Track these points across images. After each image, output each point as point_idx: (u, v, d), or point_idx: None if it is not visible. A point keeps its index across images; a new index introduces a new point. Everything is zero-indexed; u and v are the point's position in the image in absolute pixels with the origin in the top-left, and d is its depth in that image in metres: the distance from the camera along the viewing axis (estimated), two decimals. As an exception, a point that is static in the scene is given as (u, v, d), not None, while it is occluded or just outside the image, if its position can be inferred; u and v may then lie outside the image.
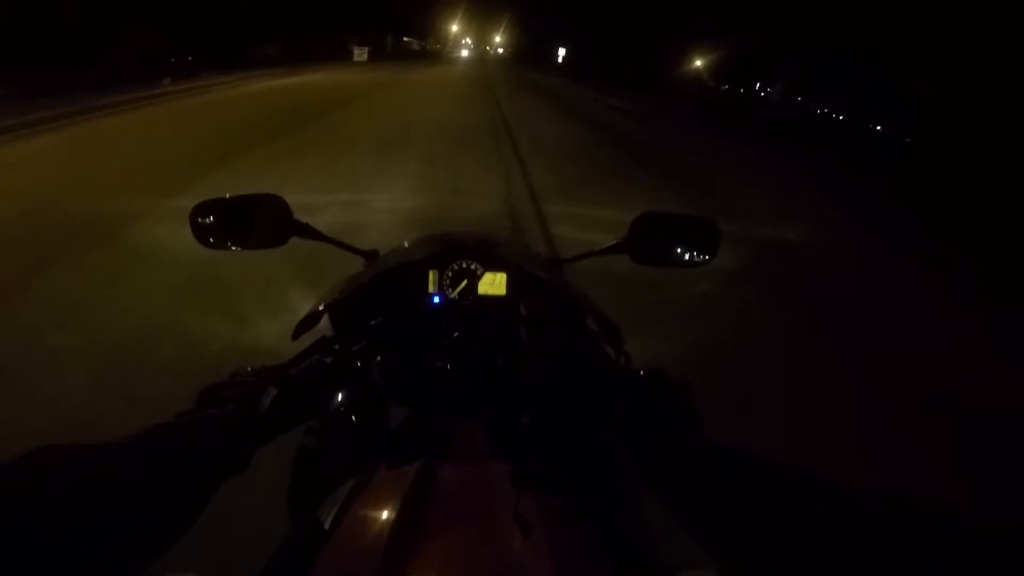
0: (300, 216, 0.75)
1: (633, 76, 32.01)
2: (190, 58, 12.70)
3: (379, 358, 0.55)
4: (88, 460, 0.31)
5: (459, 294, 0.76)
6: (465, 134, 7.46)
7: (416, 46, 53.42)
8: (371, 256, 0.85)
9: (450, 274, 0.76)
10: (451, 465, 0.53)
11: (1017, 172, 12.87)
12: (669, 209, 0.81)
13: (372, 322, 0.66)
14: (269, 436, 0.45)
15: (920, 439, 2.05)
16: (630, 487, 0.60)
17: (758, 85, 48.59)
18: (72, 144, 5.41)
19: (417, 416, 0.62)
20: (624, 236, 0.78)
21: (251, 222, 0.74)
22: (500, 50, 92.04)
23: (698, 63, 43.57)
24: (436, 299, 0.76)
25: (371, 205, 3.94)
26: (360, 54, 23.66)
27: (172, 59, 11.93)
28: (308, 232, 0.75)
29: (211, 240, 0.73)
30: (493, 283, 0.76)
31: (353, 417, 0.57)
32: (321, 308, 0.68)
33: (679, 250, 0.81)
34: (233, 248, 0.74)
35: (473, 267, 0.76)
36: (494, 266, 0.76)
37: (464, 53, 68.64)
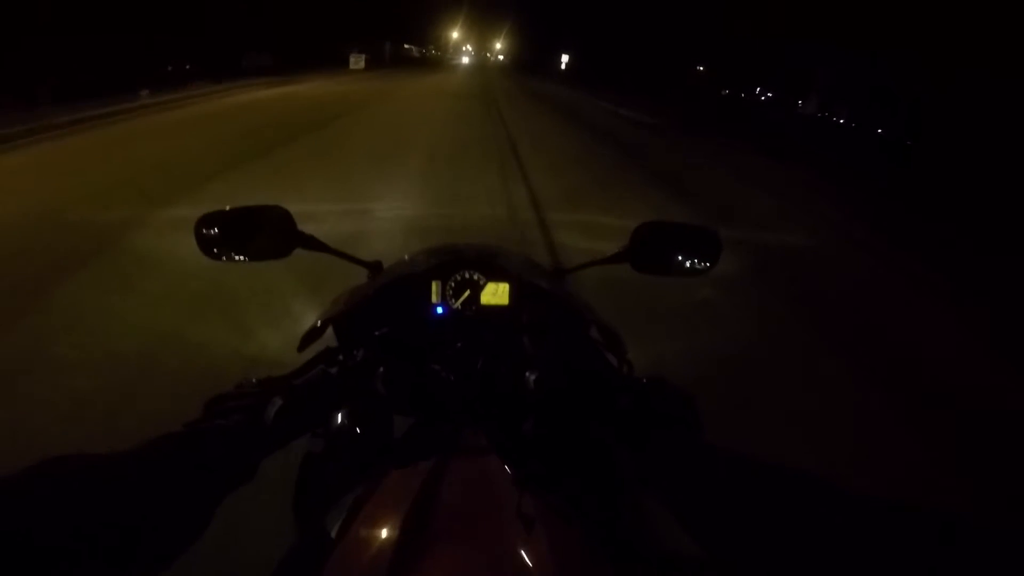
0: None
1: (640, 83, 30.57)
2: (187, 67, 12.41)
3: (383, 368, 0.56)
4: (96, 470, 0.31)
5: (462, 304, 0.76)
6: (466, 164, 5.95)
7: (416, 53, 53.34)
8: (375, 267, 0.85)
9: (453, 285, 0.76)
10: (455, 472, 0.53)
11: (1017, 172, 12.83)
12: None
13: (376, 333, 0.66)
14: (275, 446, 0.46)
15: (920, 438, 2.05)
16: (630, 488, 0.60)
17: (758, 89, 48.55)
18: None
19: (421, 426, 0.62)
20: (625, 245, 0.78)
21: (255, 234, 0.74)
22: (500, 57, 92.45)
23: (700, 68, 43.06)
24: (439, 310, 0.76)
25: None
26: (356, 62, 22.69)
27: (168, 67, 11.56)
28: (312, 244, 0.75)
29: (215, 251, 0.73)
30: (496, 293, 0.77)
31: (357, 427, 0.57)
32: (326, 320, 0.69)
33: (680, 258, 0.80)
34: (237, 259, 0.74)
35: (476, 277, 0.76)
36: (497, 276, 0.76)
37: (464, 60, 68.67)
